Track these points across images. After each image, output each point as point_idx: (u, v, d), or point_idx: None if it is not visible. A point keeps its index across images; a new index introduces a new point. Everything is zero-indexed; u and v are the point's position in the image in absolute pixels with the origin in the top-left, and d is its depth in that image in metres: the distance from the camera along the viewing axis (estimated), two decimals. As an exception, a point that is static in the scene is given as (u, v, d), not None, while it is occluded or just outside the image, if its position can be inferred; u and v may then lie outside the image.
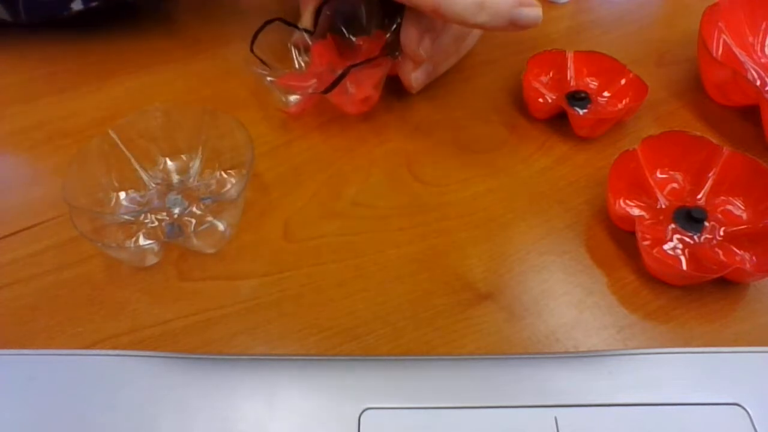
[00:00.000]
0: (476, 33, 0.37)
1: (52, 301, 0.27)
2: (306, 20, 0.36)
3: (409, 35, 0.32)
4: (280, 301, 0.27)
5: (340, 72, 0.32)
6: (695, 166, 0.30)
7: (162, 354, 0.25)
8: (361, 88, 0.34)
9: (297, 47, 0.37)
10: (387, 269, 0.28)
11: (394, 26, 0.36)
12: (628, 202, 0.30)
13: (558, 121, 0.35)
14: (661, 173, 0.31)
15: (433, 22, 0.32)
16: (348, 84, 0.33)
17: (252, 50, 0.34)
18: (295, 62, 0.37)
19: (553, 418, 0.23)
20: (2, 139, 0.35)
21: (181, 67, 0.39)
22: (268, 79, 0.34)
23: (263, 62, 0.34)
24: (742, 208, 0.29)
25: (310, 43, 0.37)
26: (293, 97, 0.35)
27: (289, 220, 0.30)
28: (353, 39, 0.37)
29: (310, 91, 0.35)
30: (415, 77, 0.34)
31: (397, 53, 0.35)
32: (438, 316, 0.26)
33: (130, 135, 0.31)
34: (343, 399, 0.23)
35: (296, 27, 0.36)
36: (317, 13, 0.36)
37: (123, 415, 0.23)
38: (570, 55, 0.36)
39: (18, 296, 0.27)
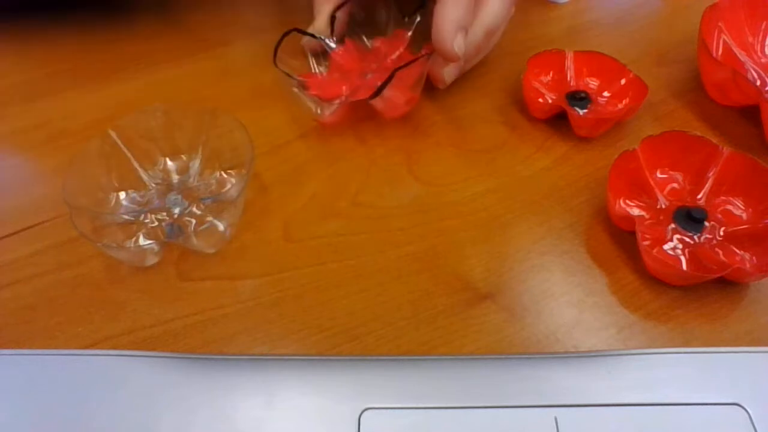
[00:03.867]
0: (503, 27, 0.37)
1: (52, 301, 0.27)
2: (320, 26, 0.36)
3: (442, 35, 0.31)
4: (280, 301, 0.27)
5: (384, 78, 0.31)
6: (695, 166, 0.30)
7: (162, 354, 0.25)
8: (401, 90, 0.33)
9: (314, 53, 0.37)
10: (387, 269, 0.28)
11: (414, 24, 0.36)
12: (628, 202, 0.30)
13: (558, 121, 0.35)
14: (661, 173, 0.31)
15: (464, 19, 0.32)
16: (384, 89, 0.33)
17: (275, 64, 0.34)
18: (313, 69, 0.37)
19: (553, 418, 0.23)
20: (2, 139, 0.35)
21: (181, 67, 0.39)
22: (303, 91, 0.34)
23: (288, 75, 0.34)
24: (742, 208, 0.29)
25: (328, 50, 0.37)
26: (326, 107, 0.34)
27: (289, 220, 0.30)
28: (369, 42, 0.37)
29: (343, 98, 0.34)
30: (447, 72, 0.34)
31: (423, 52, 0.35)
32: (438, 316, 0.26)
33: (130, 135, 0.31)
34: (343, 399, 0.23)
35: (314, 36, 0.36)
36: (332, 18, 0.36)
37: (123, 415, 0.23)
38: (570, 55, 0.36)
39: (18, 296, 0.27)
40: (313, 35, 0.36)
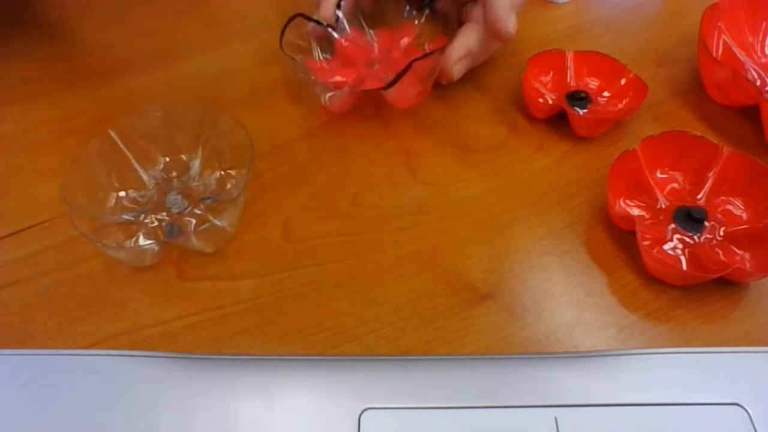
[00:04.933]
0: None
1: (52, 301, 0.27)
2: (326, 14, 0.36)
3: (499, 13, 0.32)
4: (280, 301, 0.27)
5: (398, 69, 0.31)
6: (695, 166, 0.30)
7: (162, 354, 0.25)
8: (412, 83, 0.33)
9: (319, 40, 0.37)
10: (387, 269, 0.28)
11: (423, 16, 0.36)
12: (628, 202, 0.30)
13: (558, 121, 0.35)
14: (661, 173, 0.31)
15: (472, 50, 0.33)
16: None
17: (281, 47, 0.34)
18: (316, 55, 0.37)
19: (553, 418, 0.23)
20: (2, 139, 0.35)
21: (182, 67, 0.39)
22: (310, 76, 0.34)
23: (293, 58, 0.34)
24: (742, 208, 0.29)
25: (332, 37, 0.36)
26: (331, 94, 0.34)
27: (289, 220, 0.30)
28: (374, 32, 0.37)
29: (351, 86, 0.34)
30: (458, 69, 0.34)
31: (424, 41, 0.34)
32: (438, 316, 0.26)
33: (130, 135, 0.31)
34: (343, 399, 0.23)
35: (319, 22, 0.36)
36: (338, 6, 0.36)
37: (123, 415, 0.23)
38: (570, 55, 0.36)
39: (18, 296, 0.27)
40: (318, 21, 0.36)
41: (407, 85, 0.33)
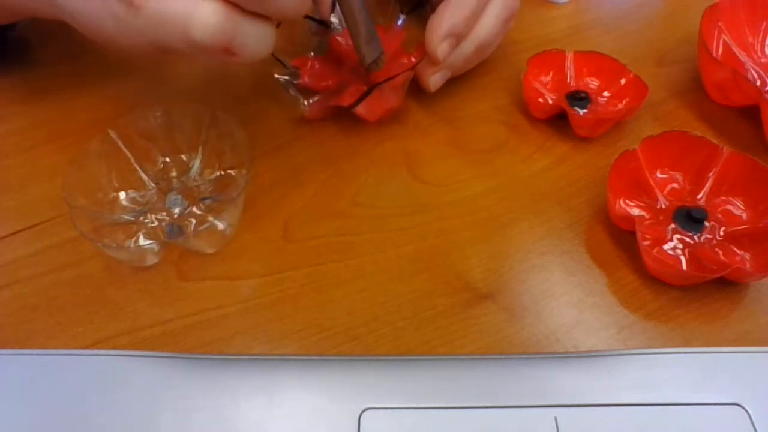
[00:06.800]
0: (496, 43, 0.37)
1: (52, 301, 0.27)
2: (323, 12, 0.36)
3: (432, 35, 0.32)
4: (280, 301, 0.27)
5: (366, 88, 0.32)
6: (695, 166, 0.30)
7: (162, 354, 0.25)
8: (382, 98, 0.33)
9: (319, 36, 0.37)
10: (387, 269, 0.28)
11: (402, 18, 0.36)
12: (628, 202, 0.30)
13: (558, 121, 0.35)
14: (661, 173, 0.31)
15: (458, 27, 0.32)
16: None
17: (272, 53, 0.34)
18: (310, 53, 0.37)
19: (553, 418, 0.23)
20: (2, 139, 0.35)
21: (181, 67, 0.39)
22: (289, 82, 0.34)
23: (282, 63, 0.34)
24: (742, 208, 0.29)
25: (331, 33, 0.36)
26: (311, 99, 0.34)
27: (289, 220, 0.30)
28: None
29: (325, 95, 0.34)
30: (433, 81, 0.35)
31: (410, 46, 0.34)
32: (438, 316, 0.26)
33: (130, 135, 0.31)
34: (343, 399, 0.23)
35: (313, 19, 0.36)
36: (332, 7, 0.36)
37: (123, 415, 0.23)
38: (570, 55, 0.36)
39: (18, 296, 0.27)
40: (313, 19, 0.36)
41: (378, 101, 0.33)
